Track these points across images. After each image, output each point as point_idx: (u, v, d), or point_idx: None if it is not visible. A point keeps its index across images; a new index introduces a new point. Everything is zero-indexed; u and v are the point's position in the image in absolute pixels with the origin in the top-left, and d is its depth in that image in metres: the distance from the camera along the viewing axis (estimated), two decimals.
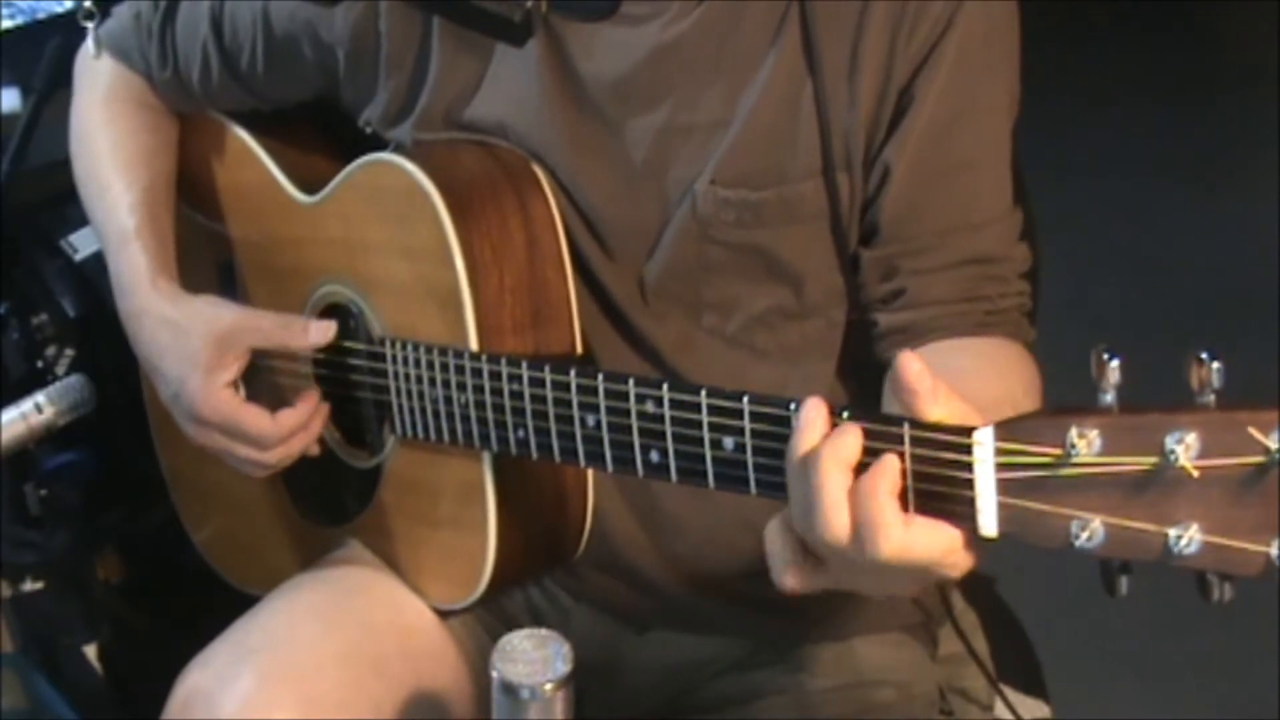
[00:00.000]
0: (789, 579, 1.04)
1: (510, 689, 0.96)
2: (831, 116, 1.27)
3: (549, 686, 0.96)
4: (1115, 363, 0.93)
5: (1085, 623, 2.65)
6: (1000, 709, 1.49)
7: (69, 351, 1.87)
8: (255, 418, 1.42)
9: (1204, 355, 0.90)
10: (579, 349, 1.37)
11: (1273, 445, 0.88)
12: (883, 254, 1.31)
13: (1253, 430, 0.89)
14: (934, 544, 0.99)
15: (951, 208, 1.29)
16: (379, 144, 1.45)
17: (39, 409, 1.58)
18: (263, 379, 1.47)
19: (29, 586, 1.84)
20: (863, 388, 1.34)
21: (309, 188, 1.49)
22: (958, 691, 1.47)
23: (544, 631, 1.00)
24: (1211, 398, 0.90)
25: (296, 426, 1.43)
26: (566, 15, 1.29)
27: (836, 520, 0.99)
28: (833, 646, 1.44)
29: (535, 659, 0.98)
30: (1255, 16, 4.94)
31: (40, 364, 1.87)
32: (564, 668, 0.97)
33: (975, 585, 1.59)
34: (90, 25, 1.53)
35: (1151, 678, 2.62)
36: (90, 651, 1.92)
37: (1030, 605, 1.68)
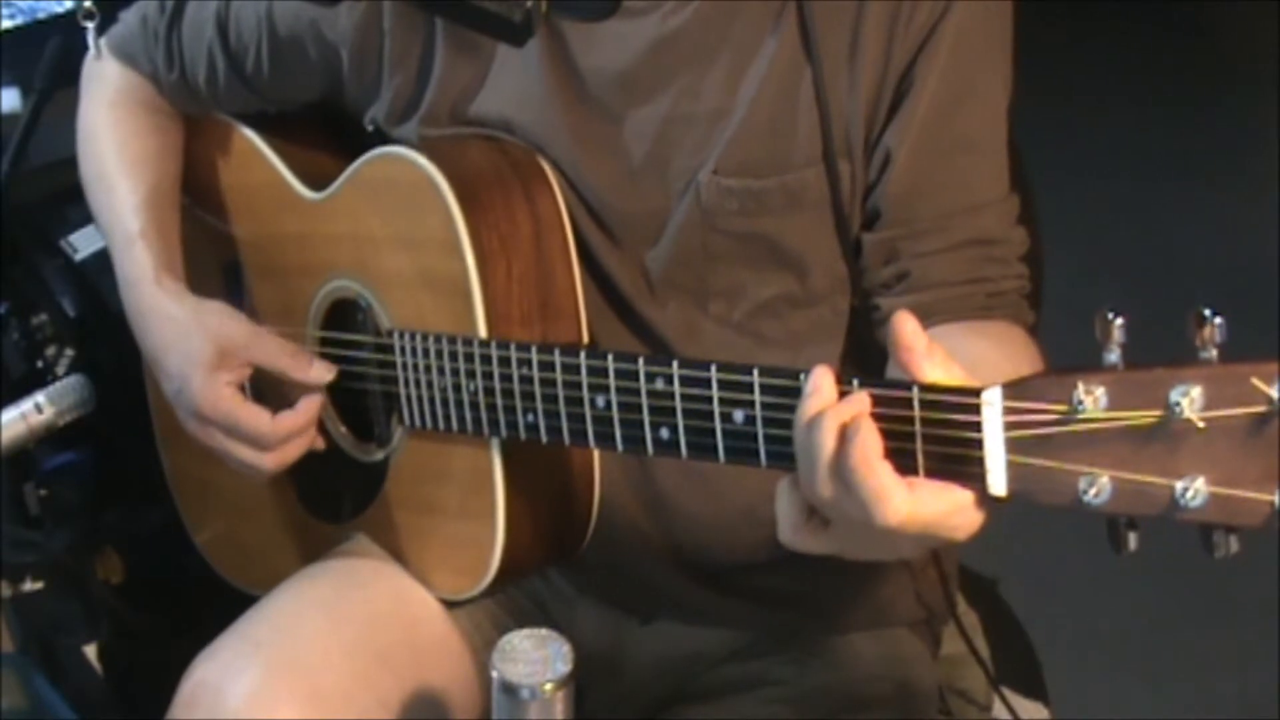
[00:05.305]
0: (795, 539, 1.06)
1: (510, 689, 0.96)
2: (831, 103, 1.28)
3: (549, 686, 0.96)
4: (1120, 321, 0.94)
5: (1085, 623, 2.66)
6: (999, 710, 1.49)
7: (69, 351, 1.87)
8: (254, 417, 1.42)
9: (1206, 312, 0.91)
10: (586, 339, 1.38)
11: (1275, 394, 0.89)
12: (885, 237, 1.32)
13: (1256, 381, 0.90)
14: (940, 505, 1.00)
15: (952, 190, 1.30)
16: (384, 142, 1.45)
17: (39, 409, 1.57)
18: (268, 377, 1.47)
19: (29, 586, 1.84)
20: (866, 376, 1.35)
21: (316, 184, 1.49)
22: (957, 692, 1.48)
23: (544, 631, 0.99)
24: (1214, 353, 0.91)
25: (294, 430, 1.43)
26: (567, 16, 1.29)
27: (839, 485, 1.01)
28: (834, 640, 1.45)
29: (535, 659, 0.98)
30: (1255, 16, 4.94)
31: (40, 364, 1.87)
32: (564, 668, 0.97)
33: (977, 586, 1.60)
34: (90, 25, 1.53)
35: (1151, 678, 2.62)
36: (90, 651, 1.92)
37: (1031, 606, 1.68)
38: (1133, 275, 3.70)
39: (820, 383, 1.04)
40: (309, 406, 1.43)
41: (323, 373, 1.44)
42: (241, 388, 1.45)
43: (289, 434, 1.43)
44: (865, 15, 1.27)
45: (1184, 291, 3.58)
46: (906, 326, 1.02)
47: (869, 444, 0.99)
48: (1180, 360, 0.92)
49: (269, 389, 1.48)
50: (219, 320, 1.46)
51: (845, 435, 1.00)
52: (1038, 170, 1.44)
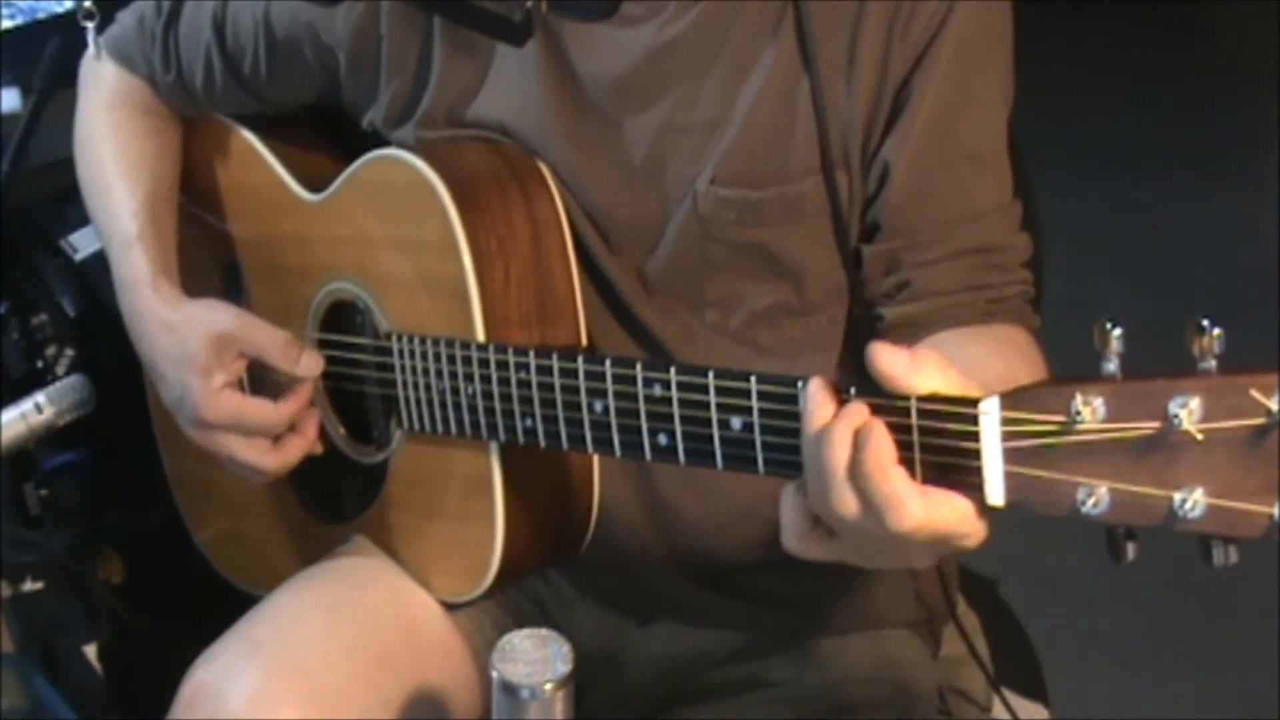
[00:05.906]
0: (800, 546, 1.06)
1: (510, 689, 0.96)
2: (829, 113, 1.28)
3: (549, 686, 0.96)
4: (1117, 331, 0.93)
5: (1085, 623, 2.66)
6: (999, 710, 1.49)
7: (69, 351, 1.87)
8: (260, 408, 1.43)
9: (1205, 322, 0.91)
10: (583, 342, 1.38)
11: (1274, 406, 0.89)
12: (885, 248, 1.31)
13: (1255, 392, 0.89)
14: (954, 512, 1.00)
15: (952, 199, 1.30)
16: (382, 143, 1.45)
17: (39, 409, 1.57)
18: (265, 377, 1.47)
19: (29, 586, 1.84)
20: (863, 383, 1.35)
21: (314, 186, 1.49)
22: (957, 692, 1.48)
23: (544, 631, 0.99)
24: (1213, 363, 0.91)
25: (297, 412, 1.43)
26: (567, 15, 1.29)
27: (851, 496, 1.00)
28: (833, 641, 1.45)
29: (535, 659, 0.97)
30: (1255, 16, 4.94)
31: (40, 364, 1.87)
32: (564, 668, 0.97)
33: (977, 587, 1.60)
34: (90, 25, 1.53)
35: (1151, 678, 2.62)
36: (90, 651, 1.92)
37: (1031, 607, 1.68)
38: (1133, 276, 3.70)
39: (819, 395, 1.03)
40: (304, 388, 1.44)
41: (311, 365, 1.44)
42: (240, 386, 1.46)
43: (294, 416, 1.43)
44: (863, 23, 1.26)
45: (1184, 292, 3.59)
46: (882, 358, 1.01)
47: (882, 450, 0.99)
48: (1179, 370, 0.91)
49: (265, 385, 1.48)
50: (209, 314, 1.46)
51: (858, 442, 1.00)
52: (1037, 171, 1.44)
